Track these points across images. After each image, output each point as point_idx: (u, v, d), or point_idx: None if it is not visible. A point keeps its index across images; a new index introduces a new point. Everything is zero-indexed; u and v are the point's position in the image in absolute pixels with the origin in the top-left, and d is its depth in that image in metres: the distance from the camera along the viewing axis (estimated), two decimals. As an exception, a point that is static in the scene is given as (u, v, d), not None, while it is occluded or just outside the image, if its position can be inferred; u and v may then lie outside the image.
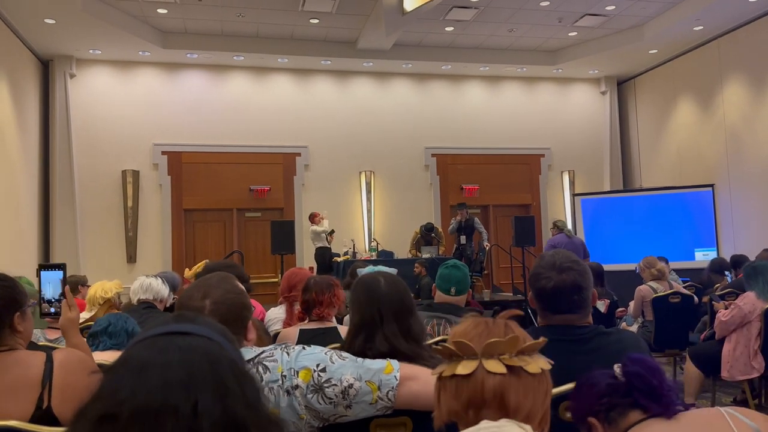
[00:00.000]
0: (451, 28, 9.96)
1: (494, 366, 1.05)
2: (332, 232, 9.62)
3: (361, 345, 1.82)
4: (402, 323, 1.85)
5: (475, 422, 1.00)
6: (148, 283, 3.44)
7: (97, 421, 0.73)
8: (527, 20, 9.70)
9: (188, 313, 0.89)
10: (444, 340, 1.55)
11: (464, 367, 1.06)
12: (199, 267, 5.07)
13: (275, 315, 3.60)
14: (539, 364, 1.07)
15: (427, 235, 9.98)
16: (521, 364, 1.05)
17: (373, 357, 1.71)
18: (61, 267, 2.19)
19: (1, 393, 1.64)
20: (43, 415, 1.64)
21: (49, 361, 1.72)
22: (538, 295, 1.89)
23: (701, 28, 9.65)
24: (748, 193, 9.56)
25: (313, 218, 9.70)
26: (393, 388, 1.55)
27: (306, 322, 3.03)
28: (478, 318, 1.17)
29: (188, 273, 5.52)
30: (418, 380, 1.57)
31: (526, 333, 1.12)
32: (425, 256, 9.42)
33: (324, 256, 9.45)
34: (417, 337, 1.87)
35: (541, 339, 1.11)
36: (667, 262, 7.06)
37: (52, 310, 2.17)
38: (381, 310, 1.85)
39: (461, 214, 9.70)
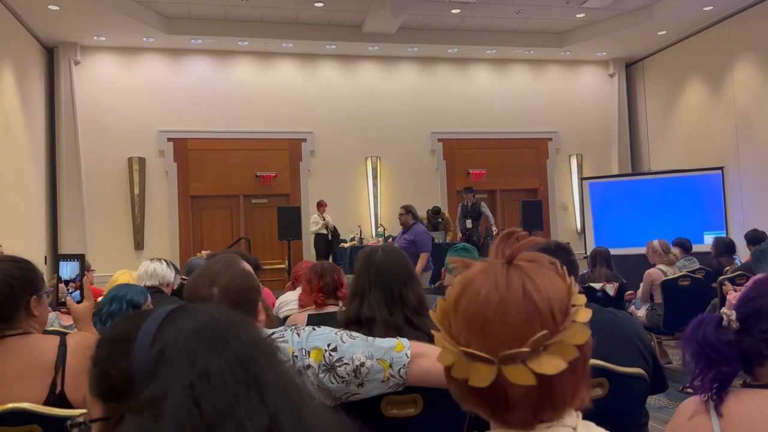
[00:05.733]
0: (457, 11, 9.85)
1: (519, 375, 0.72)
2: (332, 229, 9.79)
3: (355, 310, 1.90)
4: (388, 291, 1.90)
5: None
6: (153, 268, 3.44)
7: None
8: (534, 1, 9.57)
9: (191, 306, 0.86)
10: None
11: (478, 376, 0.73)
12: None
13: (289, 298, 3.64)
14: (579, 335, 0.74)
15: (433, 219, 9.95)
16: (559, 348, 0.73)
17: (364, 321, 1.82)
18: (79, 258, 2.16)
19: (15, 377, 1.63)
20: (56, 399, 1.63)
21: (63, 345, 1.70)
22: None
23: (711, 8, 9.50)
24: (759, 176, 9.46)
25: (319, 206, 9.84)
26: (405, 365, 1.57)
27: (314, 307, 3.04)
28: (486, 273, 0.78)
29: None
30: (428, 357, 1.59)
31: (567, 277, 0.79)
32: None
33: (323, 242, 9.64)
34: (413, 306, 1.91)
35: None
36: (690, 245, 6.94)
37: (67, 297, 2.14)
38: (370, 278, 1.93)
39: (467, 198, 9.66)
